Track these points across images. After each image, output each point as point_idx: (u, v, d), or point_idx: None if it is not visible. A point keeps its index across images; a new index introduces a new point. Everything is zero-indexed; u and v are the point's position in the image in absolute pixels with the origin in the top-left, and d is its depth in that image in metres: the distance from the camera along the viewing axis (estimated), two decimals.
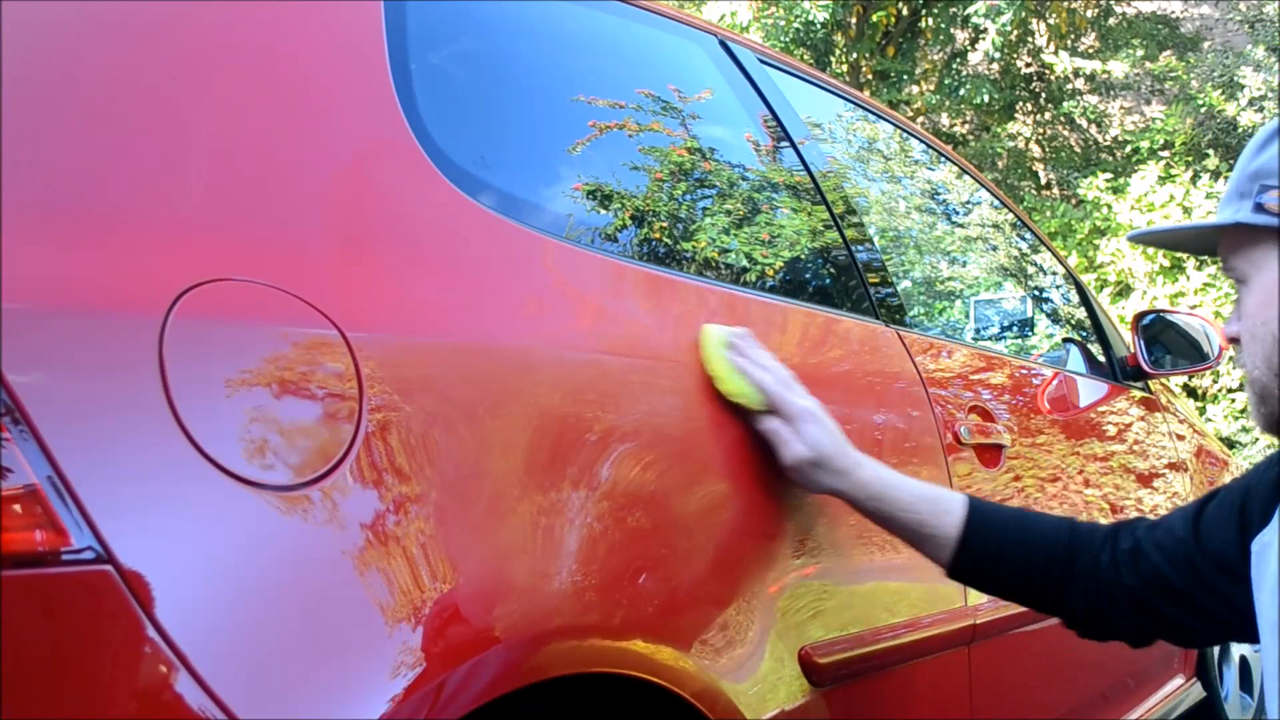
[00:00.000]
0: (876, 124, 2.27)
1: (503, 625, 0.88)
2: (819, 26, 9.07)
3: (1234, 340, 1.11)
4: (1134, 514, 2.28)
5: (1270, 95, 7.99)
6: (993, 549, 1.25)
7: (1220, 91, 8.14)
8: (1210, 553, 1.16)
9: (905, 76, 9.49)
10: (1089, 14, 9.75)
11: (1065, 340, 2.61)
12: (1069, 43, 9.64)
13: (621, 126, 1.42)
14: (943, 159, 2.48)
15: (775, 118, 1.71)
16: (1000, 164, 9.72)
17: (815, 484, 1.23)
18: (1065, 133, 10.47)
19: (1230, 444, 6.93)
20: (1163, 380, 2.83)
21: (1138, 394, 2.55)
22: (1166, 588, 1.18)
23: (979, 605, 1.59)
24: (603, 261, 1.23)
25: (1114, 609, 1.22)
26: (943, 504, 1.26)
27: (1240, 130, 8.15)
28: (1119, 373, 2.51)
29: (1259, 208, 1.04)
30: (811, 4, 8.82)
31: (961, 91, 9.24)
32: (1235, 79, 8.21)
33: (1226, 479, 3.02)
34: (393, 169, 1.01)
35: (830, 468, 1.22)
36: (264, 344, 0.81)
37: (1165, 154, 8.23)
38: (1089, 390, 2.34)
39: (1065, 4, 9.26)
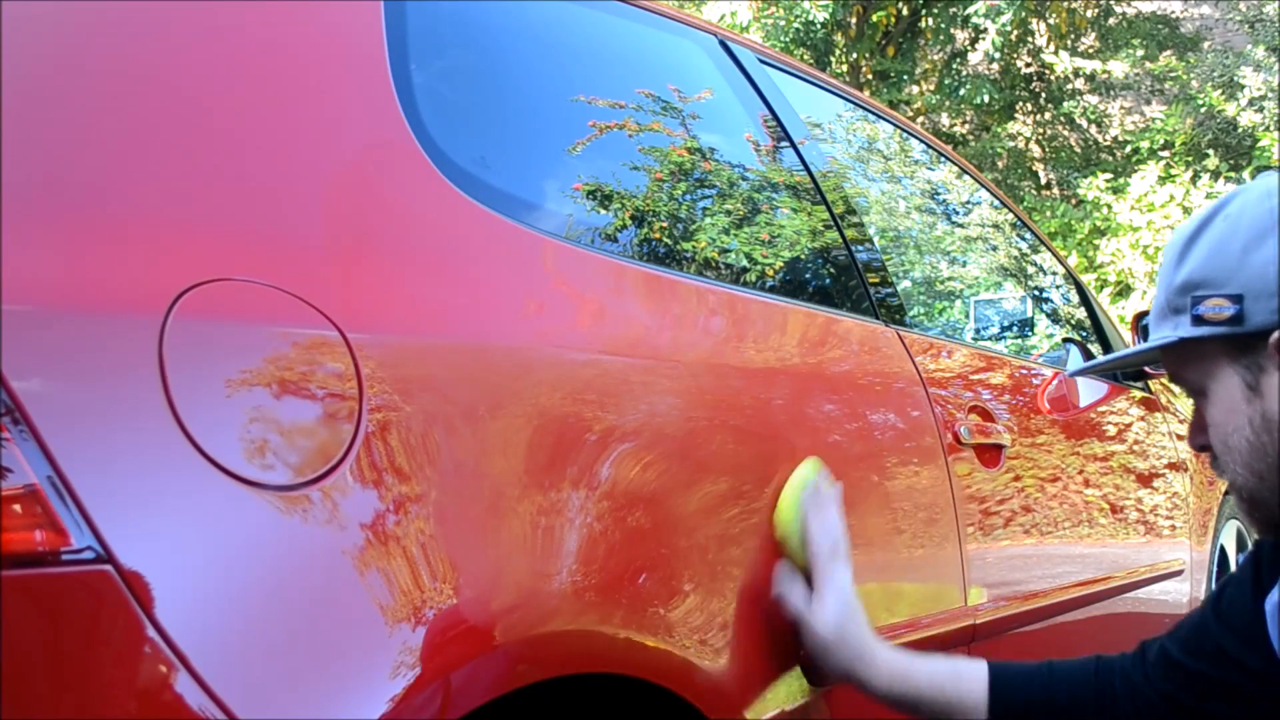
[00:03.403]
0: (876, 124, 2.27)
1: (503, 625, 0.88)
2: (819, 26, 9.07)
3: (1203, 449, 1.08)
4: (1134, 514, 2.28)
5: (1270, 95, 7.99)
6: (1021, 704, 1.22)
7: (1220, 91, 8.14)
8: (1229, 626, 1.13)
9: (905, 76, 9.49)
10: (1089, 14, 9.76)
11: (1065, 340, 2.61)
12: (1069, 43, 9.64)
13: (621, 126, 1.42)
14: (943, 159, 2.48)
15: (775, 118, 1.71)
16: (1000, 164, 9.72)
17: (833, 665, 1.18)
18: (1065, 133, 10.47)
19: None
20: (1162, 380, 2.83)
21: (1138, 394, 2.55)
22: (1191, 679, 1.15)
23: (979, 605, 1.59)
24: (603, 261, 1.23)
25: None
26: (964, 675, 1.23)
27: (1240, 130, 8.16)
28: (1119, 373, 2.52)
29: (1198, 319, 1.00)
30: (811, 4, 8.82)
31: (961, 91, 9.25)
32: (1235, 79, 8.21)
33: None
34: (393, 168, 1.01)
35: (847, 651, 1.17)
36: (264, 344, 0.81)
37: (1165, 154, 8.23)
38: (1089, 390, 2.34)
39: (1065, 4, 9.26)
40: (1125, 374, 2.52)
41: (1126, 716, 1.20)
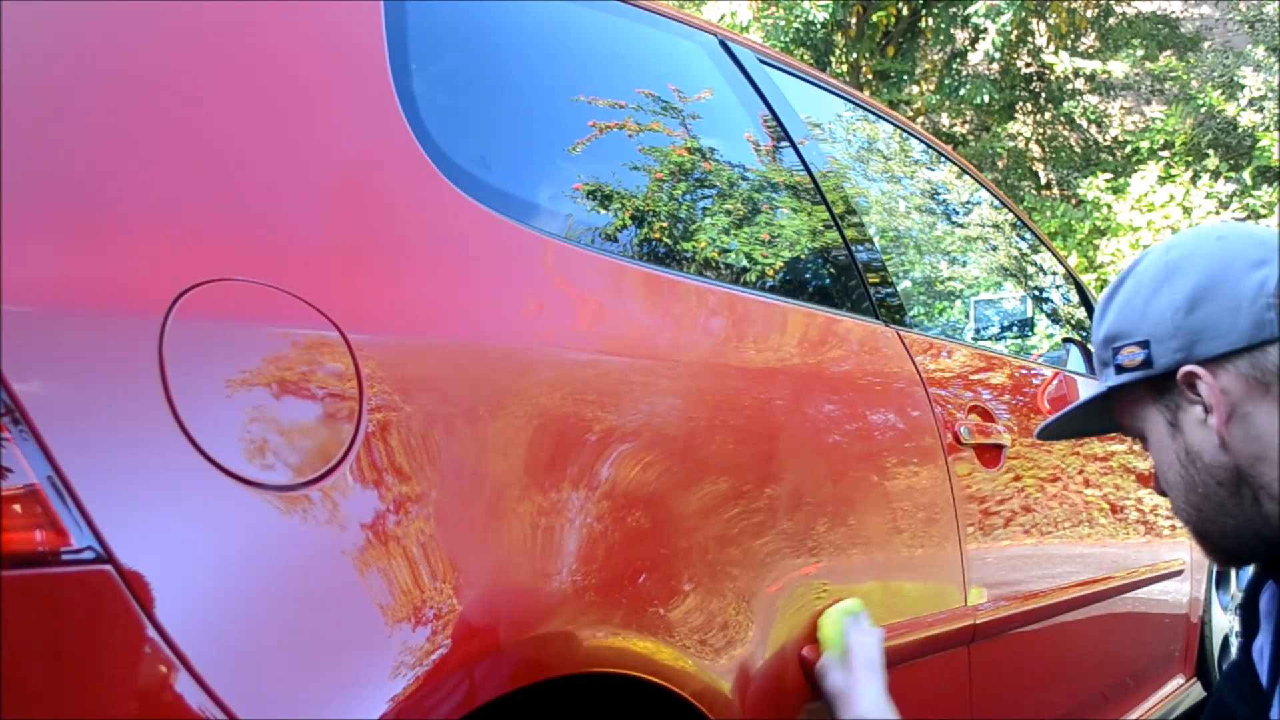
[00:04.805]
0: (876, 124, 2.27)
1: (503, 625, 0.89)
2: (819, 26, 9.08)
3: (1163, 494, 1.13)
4: (1134, 514, 2.28)
5: (1270, 95, 8.00)
6: None
7: (1220, 91, 8.15)
8: (1239, 694, 1.14)
9: (905, 76, 9.50)
10: (1089, 14, 9.76)
11: (1065, 340, 2.61)
12: (1069, 43, 9.64)
13: (622, 127, 1.42)
14: (943, 159, 2.48)
15: (775, 118, 1.71)
16: (1000, 164, 9.73)
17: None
18: (1065, 133, 10.47)
19: None
20: None
21: None
22: None
23: (979, 605, 1.59)
24: (603, 261, 1.23)
25: None
26: None
27: (1240, 130, 8.15)
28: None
29: (1119, 368, 1.09)
30: (811, 4, 8.83)
31: (961, 91, 9.25)
32: (1235, 79, 8.21)
33: None
34: (393, 169, 1.01)
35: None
36: (264, 344, 0.81)
37: (1165, 154, 8.23)
38: (1089, 390, 2.33)
39: (1065, 4, 9.26)
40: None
41: None
